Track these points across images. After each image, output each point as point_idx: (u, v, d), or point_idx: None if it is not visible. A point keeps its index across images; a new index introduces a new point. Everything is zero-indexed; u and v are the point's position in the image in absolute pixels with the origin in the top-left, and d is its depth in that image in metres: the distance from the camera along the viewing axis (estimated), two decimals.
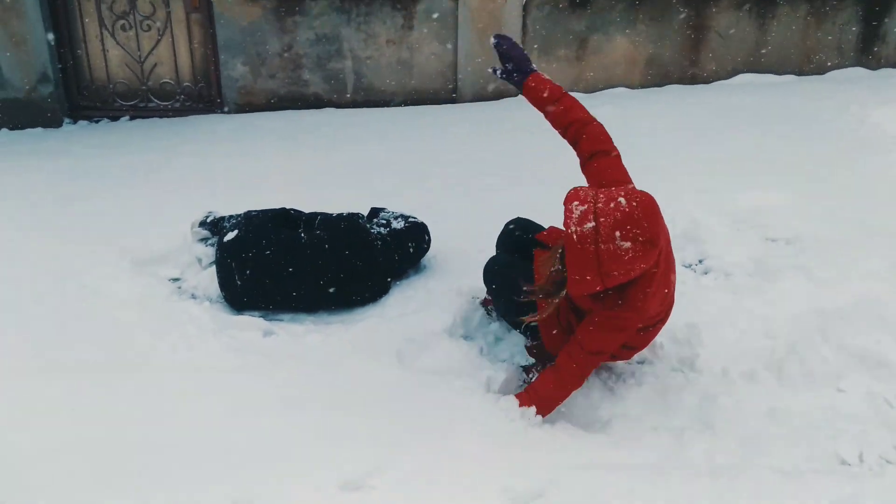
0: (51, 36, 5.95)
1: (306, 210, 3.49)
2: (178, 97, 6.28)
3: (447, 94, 6.17)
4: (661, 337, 2.81)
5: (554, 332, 2.59)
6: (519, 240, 2.88)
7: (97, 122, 6.24)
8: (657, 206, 2.22)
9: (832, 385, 2.62)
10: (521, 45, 2.69)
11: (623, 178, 2.41)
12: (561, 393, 2.49)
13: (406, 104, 6.16)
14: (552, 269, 2.38)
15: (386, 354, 2.85)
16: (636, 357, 2.77)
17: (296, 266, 3.17)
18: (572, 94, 2.63)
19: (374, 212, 3.57)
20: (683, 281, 3.19)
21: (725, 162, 4.44)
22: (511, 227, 2.95)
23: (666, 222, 2.33)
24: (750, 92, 5.77)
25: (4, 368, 2.67)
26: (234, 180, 4.54)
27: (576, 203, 2.18)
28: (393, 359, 2.84)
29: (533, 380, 2.73)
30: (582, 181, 2.48)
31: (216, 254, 3.27)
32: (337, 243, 3.21)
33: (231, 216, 3.48)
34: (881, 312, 2.86)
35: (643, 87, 6.21)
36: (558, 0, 5.97)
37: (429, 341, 2.90)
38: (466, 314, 3.12)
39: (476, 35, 5.94)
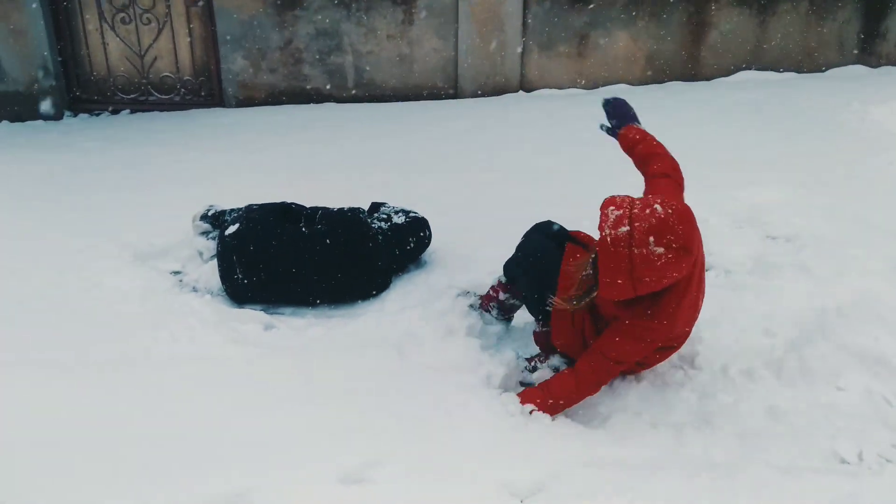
0: (51, 29, 5.94)
1: (307, 204, 3.49)
2: (178, 91, 6.28)
3: (447, 89, 6.17)
4: None
5: (563, 323, 2.59)
6: (557, 233, 2.85)
7: (97, 115, 6.23)
8: (693, 216, 2.22)
9: (831, 383, 2.62)
10: (632, 107, 2.73)
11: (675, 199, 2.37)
12: (575, 396, 2.51)
13: (406, 99, 6.15)
14: (584, 273, 2.36)
15: (386, 349, 2.86)
16: None
17: (297, 260, 3.17)
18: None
19: (375, 206, 3.56)
20: None
21: (725, 159, 4.43)
22: (549, 220, 2.90)
23: None
24: (750, 89, 5.76)
25: (5, 363, 2.67)
26: (235, 174, 4.54)
27: (612, 208, 2.18)
28: (393, 353, 2.84)
29: (535, 370, 2.74)
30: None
31: (217, 247, 3.27)
32: (338, 238, 3.21)
33: (232, 210, 3.49)
34: (881, 310, 2.85)
35: (643, 83, 6.20)
36: None
37: (429, 336, 2.90)
38: (467, 309, 3.12)
39: (476, 30, 5.93)
